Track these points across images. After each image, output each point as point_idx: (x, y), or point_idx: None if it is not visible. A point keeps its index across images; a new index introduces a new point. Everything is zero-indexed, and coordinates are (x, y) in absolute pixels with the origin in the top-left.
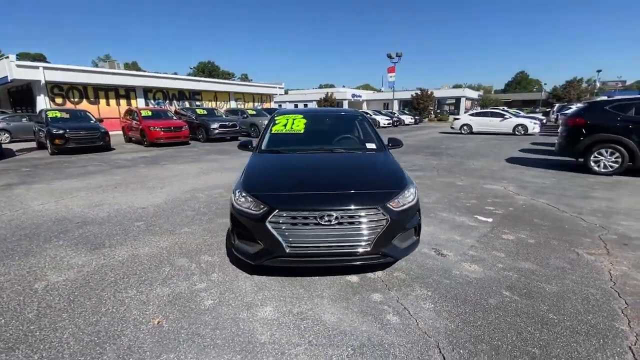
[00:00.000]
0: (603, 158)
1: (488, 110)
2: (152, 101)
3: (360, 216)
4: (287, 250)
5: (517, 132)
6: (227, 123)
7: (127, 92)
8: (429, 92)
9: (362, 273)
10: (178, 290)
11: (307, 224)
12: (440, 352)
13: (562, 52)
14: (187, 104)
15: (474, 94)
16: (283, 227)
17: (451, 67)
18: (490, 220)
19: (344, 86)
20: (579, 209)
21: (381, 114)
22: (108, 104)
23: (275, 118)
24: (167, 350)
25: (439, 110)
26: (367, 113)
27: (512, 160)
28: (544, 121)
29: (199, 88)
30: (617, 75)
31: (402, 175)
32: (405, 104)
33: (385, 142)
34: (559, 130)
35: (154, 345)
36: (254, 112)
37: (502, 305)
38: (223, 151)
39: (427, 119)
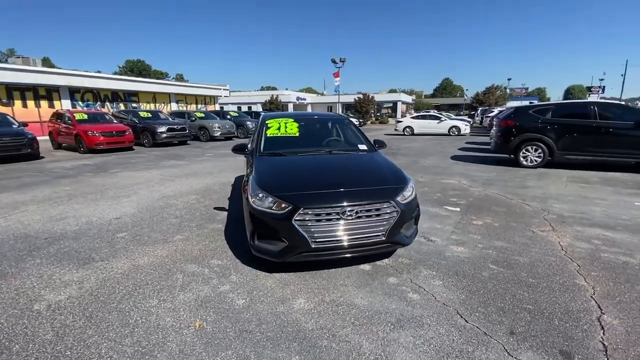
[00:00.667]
0: (529, 154)
1: (427, 113)
2: (79, 103)
3: (376, 209)
4: (312, 246)
5: (451, 133)
6: (175, 126)
7: (49, 93)
8: (370, 96)
9: (373, 262)
10: (203, 294)
11: (330, 220)
12: (461, 316)
13: (479, 61)
14: (121, 106)
15: (409, 99)
16: (308, 224)
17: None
18: (458, 209)
19: (287, 89)
20: (522, 196)
21: None
22: (25, 106)
23: (267, 122)
24: (222, 348)
25: (379, 114)
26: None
27: (455, 157)
28: (472, 123)
29: (136, 89)
30: (522, 82)
31: (402, 172)
32: (347, 107)
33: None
34: (493, 131)
35: (206, 346)
36: (203, 115)
37: (493, 276)
38: (178, 156)
39: (369, 122)
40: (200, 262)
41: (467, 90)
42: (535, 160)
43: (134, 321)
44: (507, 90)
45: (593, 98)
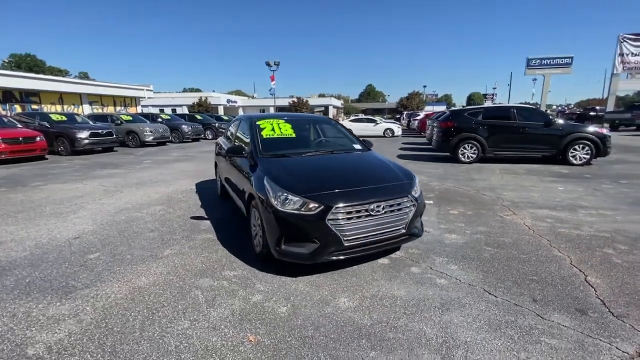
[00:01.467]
0: (466, 151)
1: (364, 117)
2: None
3: (397, 204)
4: (345, 244)
5: (386, 135)
6: (99, 131)
7: None
8: (305, 100)
9: (388, 256)
10: (237, 307)
11: (359, 217)
12: (490, 294)
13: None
14: (17, 108)
15: (338, 103)
16: (341, 223)
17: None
18: (431, 202)
19: (214, 91)
20: (474, 187)
21: None
22: None
23: (258, 123)
24: (294, 358)
25: None
26: None
27: (401, 157)
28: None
29: (36, 87)
30: (433, 90)
31: (408, 169)
32: (281, 111)
33: None
34: (434, 132)
35: (273, 358)
36: (130, 118)
37: (493, 257)
38: (111, 165)
39: None
40: (212, 275)
41: (388, 95)
42: (471, 157)
43: (174, 347)
44: (424, 97)
45: (488, 103)
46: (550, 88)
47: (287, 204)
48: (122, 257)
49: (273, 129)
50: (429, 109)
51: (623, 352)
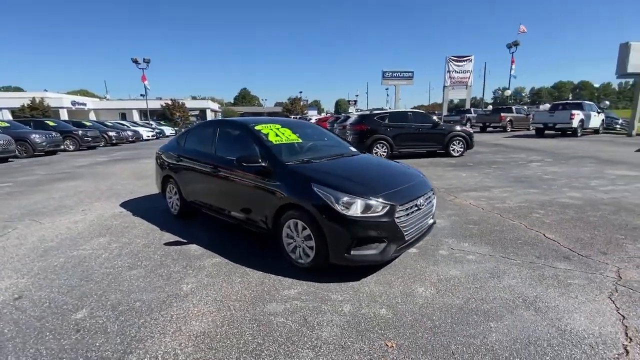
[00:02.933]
0: (379, 150)
1: None
2: None
3: (429, 197)
4: (406, 238)
5: None
6: None
7: None
8: (180, 103)
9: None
10: (339, 322)
11: (412, 212)
12: (507, 258)
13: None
14: None
15: (216, 106)
16: (402, 219)
17: (187, 80)
18: None
19: (46, 90)
20: None
21: (139, 125)
22: None
23: (257, 128)
24: (437, 346)
25: (187, 121)
26: (123, 124)
27: None
28: None
29: None
30: (305, 95)
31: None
32: (151, 114)
33: None
34: (349, 134)
35: (423, 353)
36: (8, 125)
37: (482, 231)
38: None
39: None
40: (274, 298)
41: (265, 100)
42: (383, 154)
43: None
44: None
45: (352, 109)
46: (400, 96)
47: (354, 208)
48: (131, 307)
49: (277, 135)
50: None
51: (612, 277)
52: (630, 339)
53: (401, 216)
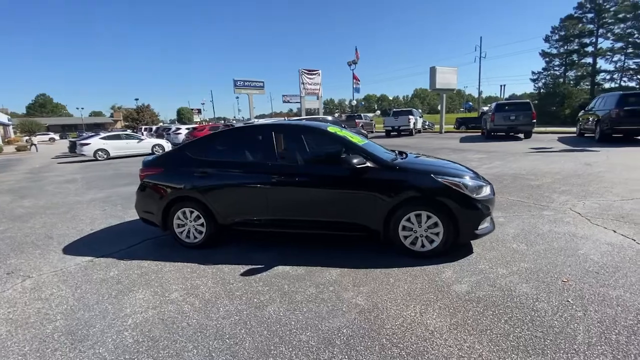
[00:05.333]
0: None
1: (122, 132)
2: None
3: None
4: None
5: (156, 152)
6: None
7: None
8: None
9: None
10: (522, 285)
11: None
12: (506, 215)
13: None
14: None
15: (5, 118)
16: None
17: None
18: None
19: None
20: None
21: None
22: None
23: (333, 131)
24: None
25: None
26: None
27: None
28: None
29: None
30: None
31: None
32: None
33: None
34: None
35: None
36: None
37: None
38: None
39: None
40: (454, 283)
41: (82, 108)
42: None
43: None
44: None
45: (196, 118)
46: (254, 105)
47: (481, 191)
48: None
49: (351, 136)
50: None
51: (569, 209)
52: (600, 225)
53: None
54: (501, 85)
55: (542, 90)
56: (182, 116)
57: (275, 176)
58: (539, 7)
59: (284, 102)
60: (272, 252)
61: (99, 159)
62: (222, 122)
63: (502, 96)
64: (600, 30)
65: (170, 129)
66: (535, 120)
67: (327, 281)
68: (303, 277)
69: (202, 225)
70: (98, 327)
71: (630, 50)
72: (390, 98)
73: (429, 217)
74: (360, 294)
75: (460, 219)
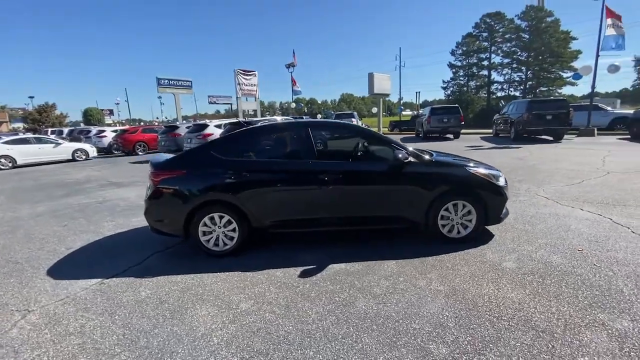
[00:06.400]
0: None
1: (30, 136)
2: None
3: None
4: None
5: (77, 158)
6: None
7: None
8: None
9: None
10: (556, 254)
11: None
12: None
13: None
14: None
15: None
16: None
17: None
18: None
19: None
20: None
21: None
22: None
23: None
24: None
25: None
26: None
27: None
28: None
29: None
30: (26, 103)
31: None
32: None
33: None
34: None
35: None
36: None
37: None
38: None
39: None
40: (495, 269)
41: None
42: None
43: None
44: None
45: (108, 120)
46: (182, 105)
47: (501, 180)
48: None
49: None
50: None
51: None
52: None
53: None
54: (416, 92)
55: (450, 97)
56: (91, 117)
57: (317, 174)
58: (449, 24)
59: (210, 102)
60: (316, 252)
61: (3, 168)
62: (157, 122)
63: (417, 102)
64: (493, 48)
65: (89, 131)
66: (463, 123)
67: (392, 273)
68: (366, 272)
69: (233, 230)
70: (181, 352)
71: (515, 65)
72: (319, 102)
73: (464, 206)
74: (432, 280)
75: (489, 205)
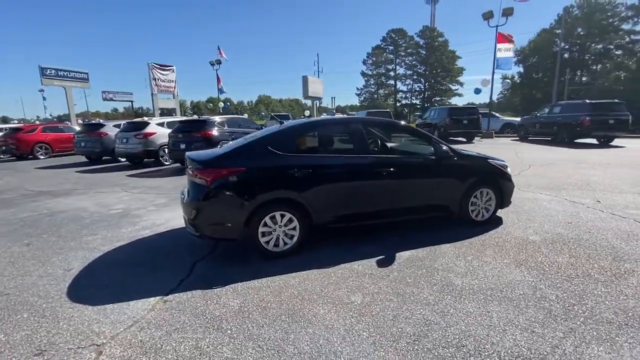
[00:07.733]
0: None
1: None
2: None
3: None
4: None
5: None
6: None
7: None
8: None
9: None
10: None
11: None
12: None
13: None
14: None
15: None
16: None
17: None
18: None
19: None
20: None
21: None
22: None
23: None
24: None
25: None
26: None
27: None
28: None
29: None
30: None
31: None
32: None
33: None
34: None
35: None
36: None
37: None
38: None
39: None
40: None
41: None
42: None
43: None
44: None
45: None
46: (75, 101)
47: (508, 169)
48: None
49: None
50: None
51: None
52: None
53: None
54: (332, 97)
55: (363, 104)
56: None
57: (375, 168)
58: (362, 35)
59: (105, 99)
60: (369, 244)
61: None
62: (37, 121)
63: (332, 106)
64: (398, 60)
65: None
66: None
67: (457, 254)
68: (434, 256)
69: (294, 229)
70: (342, 351)
71: (415, 77)
72: (235, 102)
73: (487, 193)
74: (495, 258)
75: (504, 191)
